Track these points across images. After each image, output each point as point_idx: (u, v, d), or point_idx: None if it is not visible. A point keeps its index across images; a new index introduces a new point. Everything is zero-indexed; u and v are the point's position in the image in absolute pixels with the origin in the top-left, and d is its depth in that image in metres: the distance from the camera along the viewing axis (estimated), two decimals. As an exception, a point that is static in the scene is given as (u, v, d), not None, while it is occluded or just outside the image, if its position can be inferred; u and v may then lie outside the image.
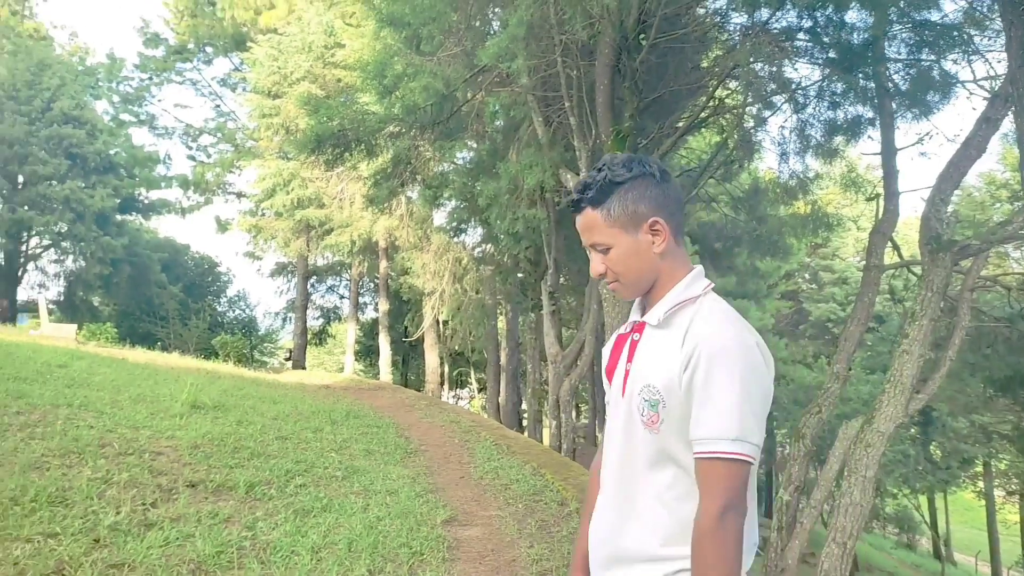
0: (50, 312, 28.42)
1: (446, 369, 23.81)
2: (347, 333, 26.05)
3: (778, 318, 25.79)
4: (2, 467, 4.55)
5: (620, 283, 1.48)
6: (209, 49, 25.20)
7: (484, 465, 7.61)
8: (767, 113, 9.04)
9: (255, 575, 3.73)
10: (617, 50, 7.64)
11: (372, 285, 28.97)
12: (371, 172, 10.37)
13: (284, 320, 34.99)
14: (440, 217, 17.07)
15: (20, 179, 25.73)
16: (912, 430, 18.96)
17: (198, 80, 26.75)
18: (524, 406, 20.55)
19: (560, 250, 11.35)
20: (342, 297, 35.60)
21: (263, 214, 19.15)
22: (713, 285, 1.47)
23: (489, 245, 15.35)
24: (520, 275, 15.11)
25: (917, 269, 7.70)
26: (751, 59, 7.58)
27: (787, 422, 22.96)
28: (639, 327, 1.49)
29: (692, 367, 1.31)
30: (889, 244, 8.19)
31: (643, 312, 1.50)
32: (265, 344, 31.55)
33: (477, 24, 9.26)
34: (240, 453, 6.36)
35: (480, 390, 31.55)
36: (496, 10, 9.43)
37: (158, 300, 29.70)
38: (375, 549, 4.34)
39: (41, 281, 29.62)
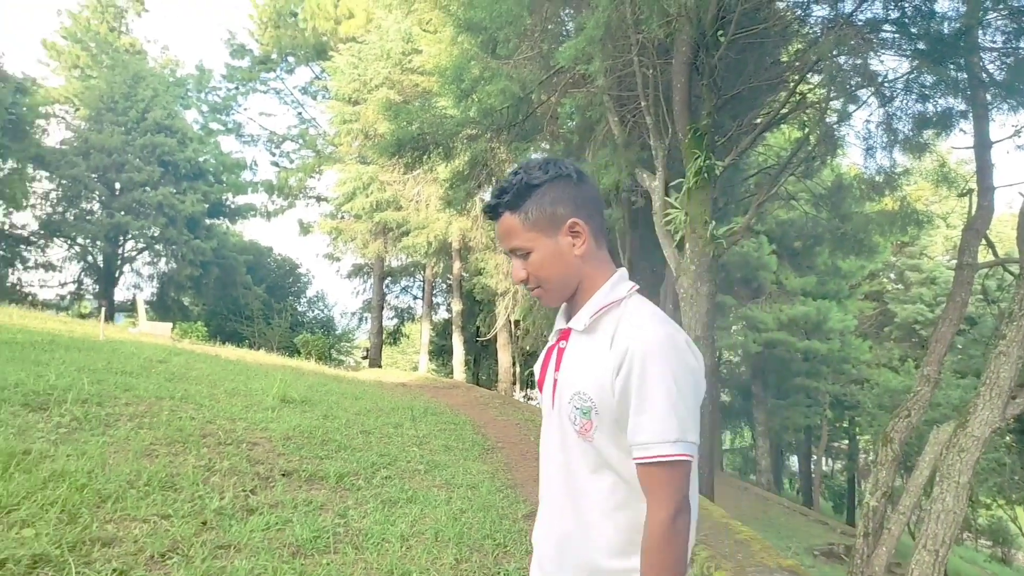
0: (147, 311, 30.16)
1: (518, 369, 24.02)
2: (421, 333, 26.56)
3: (861, 319, 24.90)
4: (117, 453, 4.91)
5: (543, 289, 1.44)
6: (291, 59, 26.22)
7: (561, 463, 7.67)
8: (852, 107, 8.79)
9: (349, 560, 3.92)
10: (695, 47, 7.60)
11: (445, 286, 29.45)
12: (448, 174, 10.61)
13: (360, 320, 36.06)
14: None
15: (117, 186, 27.39)
16: (1007, 438, 17.96)
17: (281, 89, 27.91)
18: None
19: (634, 250, 11.30)
20: (416, 298, 36.35)
21: (343, 217, 19.82)
22: (637, 287, 1.44)
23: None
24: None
25: (1014, 267, 7.34)
26: (835, 52, 7.40)
27: (871, 427, 22.11)
28: (565, 334, 1.46)
29: (625, 371, 1.29)
30: (983, 241, 7.84)
31: (568, 318, 1.46)
32: (342, 343, 32.53)
33: (551, 27, 9.35)
34: (328, 445, 6.63)
35: (551, 390, 31.54)
36: (570, 11, 9.50)
37: (243, 300, 31.07)
38: (460, 539, 4.48)
39: (136, 282, 31.45)
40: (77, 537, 3.43)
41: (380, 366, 25.94)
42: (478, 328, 25.20)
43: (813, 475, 28.83)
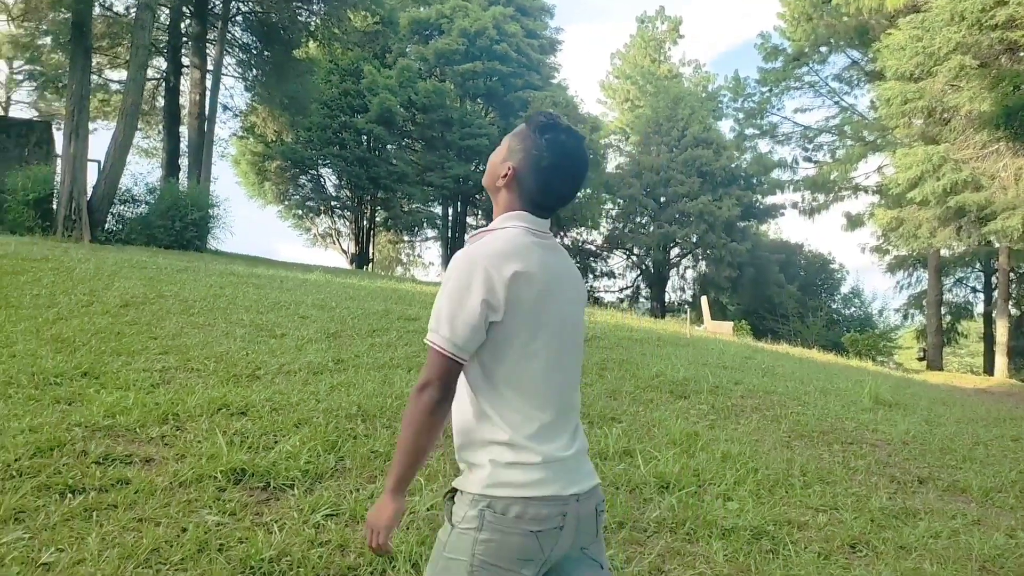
0: (684, 311, 32.98)
1: None
2: (990, 330, 22.65)
3: None
4: (758, 442, 5.39)
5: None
6: (823, 49, 25.38)
7: None
8: None
9: (1055, 589, 3.50)
10: None
11: (1014, 276, 24.68)
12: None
13: (904, 316, 32.71)
14: None
15: (663, 199, 30.54)
16: None
17: (815, 82, 27.19)
18: None
19: None
20: (974, 290, 31.36)
21: (903, 206, 18.18)
22: (523, 225, 1.58)
23: None
24: None
25: None
26: None
27: None
28: None
29: None
30: None
31: None
32: (882, 343, 30.10)
33: None
34: (949, 455, 6.12)
35: None
36: None
37: (777, 299, 31.34)
38: None
39: (681, 285, 34.62)
40: (774, 516, 3.85)
41: (941, 368, 23.01)
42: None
43: None
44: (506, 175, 1.61)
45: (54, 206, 14.14)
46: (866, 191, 27.03)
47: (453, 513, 1.51)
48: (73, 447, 3.43)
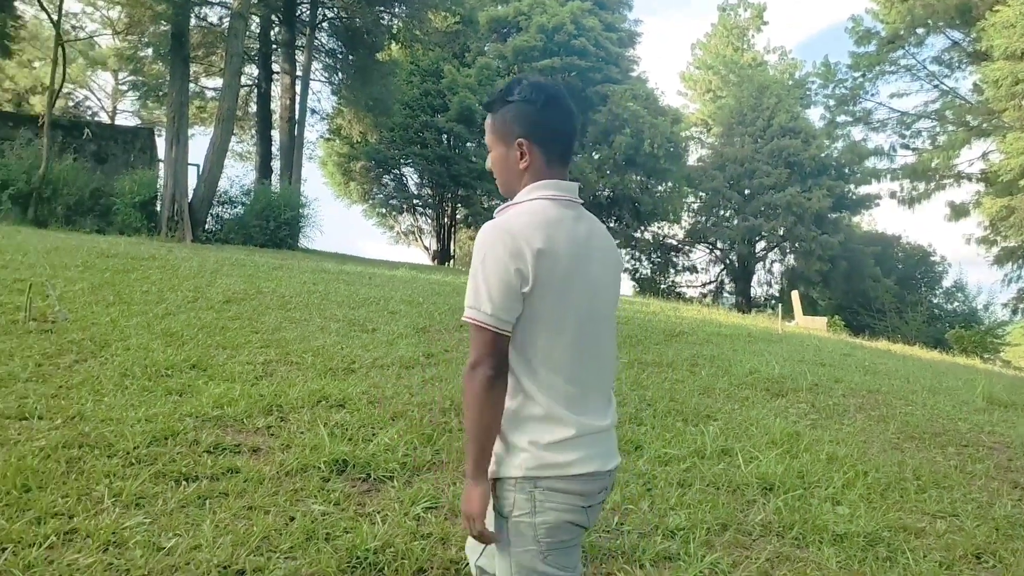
0: (771, 306, 31.89)
1: None
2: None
3: None
4: (865, 443, 5.12)
5: (497, 181, 1.66)
6: (920, 31, 23.97)
7: None
8: None
9: None
10: None
11: None
12: None
13: (1013, 311, 30.62)
14: None
15: (747, 192, 29.61)
16: None
17: (912, 65, 25.72)
18: None
19: None
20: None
21: (1013, 194, 16.99)
22: (550, 196, 1.54)
23: None
24: None
25: None
26: None
27: None
28: None
29: None
30: None
31: None
32: (990, 339, 28.34)
33: None
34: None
35: None
36: None
37: (872, 293, 29.92)
38: None
39: (768, 279, 33.51)
40: (888, 522, 3.63)
41: (1060, 367, 21.39)
42: None
43: None
44: (522, 153, 1.57)
45: (158, 208, 14.94)
46: (970, 179, 25.42)
47: (501, 505, 1.52)
48: (185, 436, 3.57)
